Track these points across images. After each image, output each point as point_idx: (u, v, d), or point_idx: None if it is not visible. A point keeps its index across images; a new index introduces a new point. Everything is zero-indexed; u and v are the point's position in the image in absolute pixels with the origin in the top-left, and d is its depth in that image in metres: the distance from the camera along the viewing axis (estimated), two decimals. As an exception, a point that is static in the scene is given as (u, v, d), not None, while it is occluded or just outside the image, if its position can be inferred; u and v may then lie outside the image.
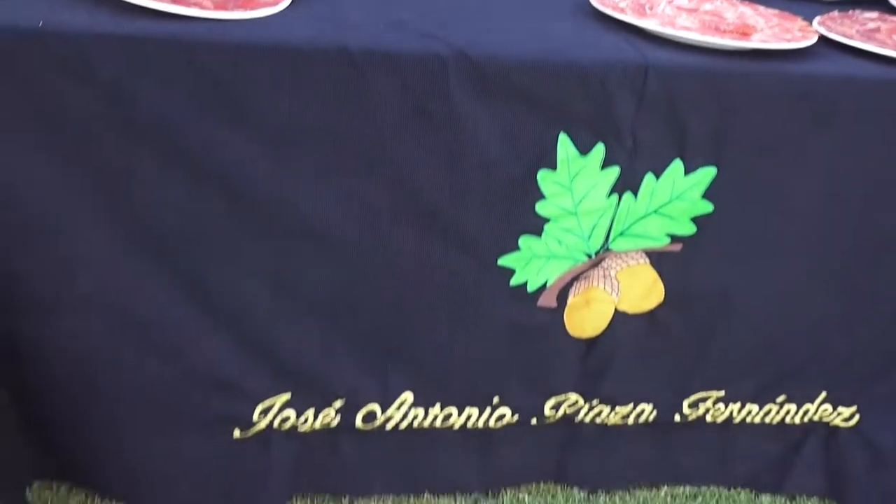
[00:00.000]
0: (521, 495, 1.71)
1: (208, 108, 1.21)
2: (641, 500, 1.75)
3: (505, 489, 1.71)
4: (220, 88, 1.20)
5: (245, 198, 1.28)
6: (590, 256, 1.44)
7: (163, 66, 1.18)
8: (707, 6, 1.53)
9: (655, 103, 1.33)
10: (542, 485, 1.74)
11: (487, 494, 1.69)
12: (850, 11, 1.61)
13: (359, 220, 1.32)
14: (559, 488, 1.74)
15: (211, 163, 1.24)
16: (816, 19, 1.54)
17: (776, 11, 1.53)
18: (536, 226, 1.39)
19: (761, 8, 1.54)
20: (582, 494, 1.73)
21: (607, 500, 1.73)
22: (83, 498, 1.56)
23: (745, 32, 1.42)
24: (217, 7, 1.23)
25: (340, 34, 1.24)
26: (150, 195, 1.25)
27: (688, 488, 1.78)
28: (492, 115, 1.29)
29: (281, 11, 1.29)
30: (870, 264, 1.53)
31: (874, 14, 1.62)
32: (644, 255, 1.46)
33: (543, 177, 1.35)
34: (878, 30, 1.55)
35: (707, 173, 1.39)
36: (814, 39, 1.42)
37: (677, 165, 1.38)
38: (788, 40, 1.41)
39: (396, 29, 1.28)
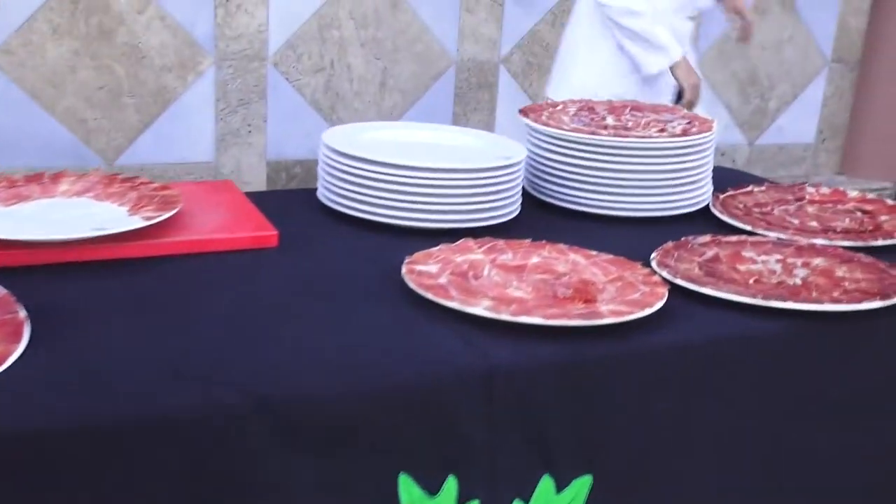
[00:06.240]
0: None
1: None
2: None
3: None
4: None
5: None
6: None
7: None
8: (534, 259, 1.31)
9: (507, 414, 1.07)
10: None
11: None
12: (683, 239, 1.43)
13: None
14: None
15: None
16: (653, 257, 1.35)
17: (609, 257, 1.33)
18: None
19: (593, 254, 1.34)
20: None
21: None
22: None
23: (588, 298, 1.20)
24: None
25: (91, 399, 0.91)
26: None
27: None
28: (308, 470, 0.99)
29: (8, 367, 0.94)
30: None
31: (706, 238, 1.45)
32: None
33: (387, 530, 1.05)
34: (717, 258, 1.39)
35: (582, 484, 1.13)
36: (664, 298, 1.22)
37: (547, 483, 1.12)
38: (637, 301, 1.20)
39: (165, 377, 0.97)
